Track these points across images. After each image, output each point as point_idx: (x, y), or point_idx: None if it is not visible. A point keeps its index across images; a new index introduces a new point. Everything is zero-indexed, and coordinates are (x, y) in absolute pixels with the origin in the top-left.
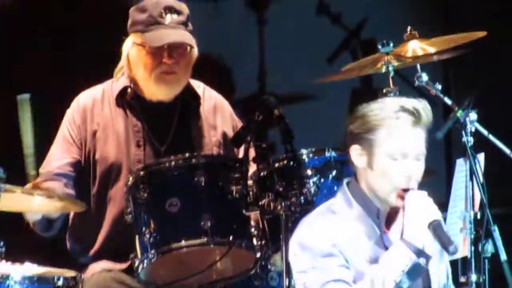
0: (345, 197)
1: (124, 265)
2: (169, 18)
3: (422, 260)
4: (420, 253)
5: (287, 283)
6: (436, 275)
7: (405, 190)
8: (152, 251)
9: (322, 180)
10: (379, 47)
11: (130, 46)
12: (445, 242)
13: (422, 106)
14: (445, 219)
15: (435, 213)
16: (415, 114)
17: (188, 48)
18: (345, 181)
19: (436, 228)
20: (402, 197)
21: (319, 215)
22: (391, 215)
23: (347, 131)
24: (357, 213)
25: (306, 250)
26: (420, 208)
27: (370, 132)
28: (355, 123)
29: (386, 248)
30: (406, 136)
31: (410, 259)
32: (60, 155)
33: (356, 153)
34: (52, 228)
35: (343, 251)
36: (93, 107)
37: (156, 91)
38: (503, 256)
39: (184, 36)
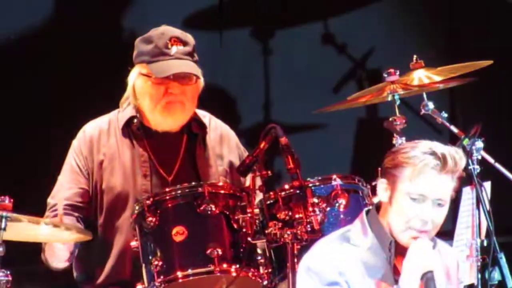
0: (362, 226)
1: None
2: (174, 49)
3: None
4: None
5: None
6: None
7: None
8: (159, 280)
9: (328, 208)
10: (385, 76)
11: (136, 77)
12: None
13: (453, 154)
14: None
15: (432, 265)
16: (442, 160)
17: (194, 78)
18: (364, 210)
19: (427, 279)
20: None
21: (332, 241)
22: (403, 256)
23: (381, 165)
24: (371, 243)
25: (311, 275)
26: (419, 256)
27: (396, 169)
28: (387, 158)
29: (395, 281)
30: (428, 180)
31: None
32: (68, 186)
33: (382, 186)
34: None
35: (349, 280)
36: (100, 138)
37: (162, 122)
38: (510, 284)
39: (190, 67)
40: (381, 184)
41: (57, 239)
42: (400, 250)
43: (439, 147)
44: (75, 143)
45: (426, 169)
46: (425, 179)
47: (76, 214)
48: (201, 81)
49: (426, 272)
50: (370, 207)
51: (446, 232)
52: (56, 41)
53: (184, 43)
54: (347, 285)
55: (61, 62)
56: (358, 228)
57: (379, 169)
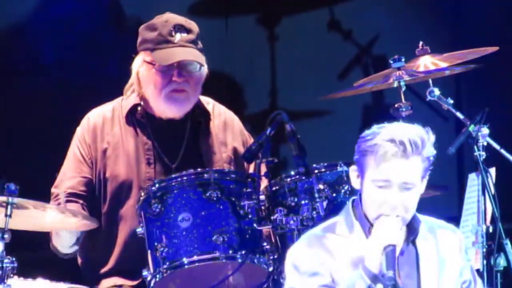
0: (347, 216)
1: (135, 282)
2: (178, 36)
3: (378, 286)
4: (375, 278)
5: None
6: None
7: None
8: (165, 266)
9: (334, 194)
10: (391, 62)
11: (139, 64)
12: (385, 266)
13: (413, 137)
14: None
15: (393, 240)
16: (401, 146)
17: (198, 66)
18: (350, 199)
19: (387, 252)
20: None
21: (315, 233)
22: None
23: None
24: (356, 231)
25: (294, 266)
26: (381, 232)
27: (362, 157)
28: (356, 144)
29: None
30: (390, 166)
31: (365, 284)
32: (71, 174)
33: (353, 174)
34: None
35: (332, 270)
36: (103, 126)
37: (166, 110)
38: None
39: (194, 54)
40: (352, 172)
41: (63, 226)
42: None
43: (399, 132)
44: (78, 131)
45: (387, 156)
46: (387, 166)
47: (81, 202)
48: (205, 69)
49: (387, 245)
50: (356, 197)
51: (452, 218)
52: (60, 29)
53: (188, 31)
54: (329, 275)
55: (65, 50)
56: (343, 218)
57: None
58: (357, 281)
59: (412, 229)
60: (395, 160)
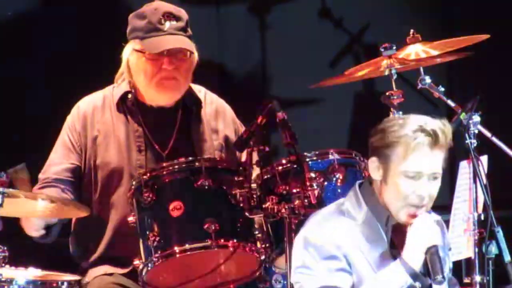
0: (357, 199)
1: (126, 270)
2: (168, 24)
3: (417, 284)
4: (416, 276)
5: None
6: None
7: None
8: (156, 255)
9: (325, 183)
10: (382, 50)
11: (129, 53)
12: (434, 270)
13: (442, 127)
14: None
15: (436, 240)
16: (433, 136)
17: (188, 53)
18: (357, 183)
19: (432, 254)
20: (414, 217)
21: (329, 215)
22: (399, 230)
23: (368, 142)
24: (366, 216)
25: (310, 247)
26: (423, 232)
27: (388, 148)
28: (375, 136)
29: (393, 257)
30: (422, 157)
31: (405, 281)
32: (59, 161)
33: (373, 165)
34: (51, 234)
35: (348, 253)
36: (94, 113)
37: (156, 97)
38: (507, 257)
39: (183, 42)
40: (373, 163)
41: (54, 214)
42: (394, 225)
43: (429, 123)
44: (69, 119)
45: (419, 147)
46: (419, 156)
47: (62, 186)
48: (195, 56)
49: (430, 246)
50: (363, 181)
51: (443, 207)
52: (51, 17)
53: (177, 18)
54: (345, 259)
55: (56, 37)
56: (353, 201)
57: (368, 147)
58: (395, 277)
59: None
60: (427, 150)
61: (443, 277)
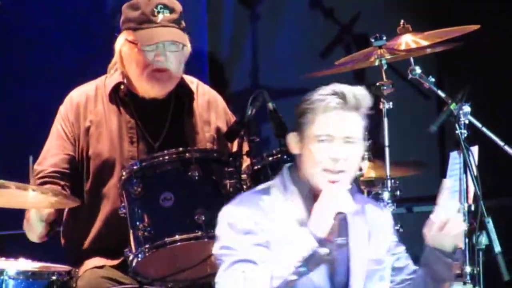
0: (282, 179)
1: (116, 261)
2: (161, 16)
3: (322, 250)
4: (321, 243)
5: None
6: (360, 261)
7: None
8: (147, 246)
9: None
10: (372, 40)
11: (122, 43)
12: (337, 236)
13: (353, 91)
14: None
15: (344, 207)
16: (342, 98)
17: (180, 46)
18: (286, 165)
19: (339, 221)
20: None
21: (251, 193)
22: None
23: None
24: (292, 195)
25: (227, 225)
26: (331, 199)
27: (302, 117)
28: (295, 112)
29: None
30: (332, 118)
31: (311, 247)
32: (54, 152)
33: (292, 140)
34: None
35: (267, 230)
36: (86, 104)
37: (148, 89)
38: (497, 248)
39: (176, 34)
40: (291, 137)
41: (45, 205)
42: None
43: (339, 86)
44: (61, 109)
45: (328, 109)
46: (329, 118)
47: (62, 183)
48: (188, 48)
49: (338, 213)
50: (291, 164)
51: (434, 197)
52: (44, 5)
53: (171, 10)
54: (264, 234)
55: (49, 26)
56: (279, 182)
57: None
58: (301, 244)
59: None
60: (336, 112)
61: (347, 240)
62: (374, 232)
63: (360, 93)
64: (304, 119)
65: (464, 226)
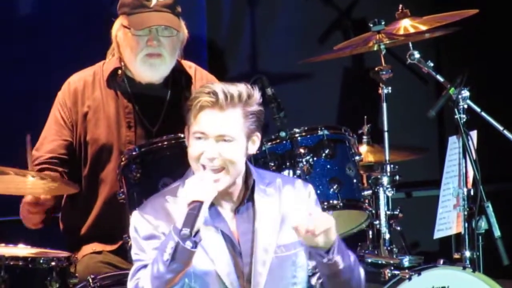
0: (186, 177)
1: (114, 246)
2: (154, 1)
3: (188, 244)
4: (180, 235)
5: None
6: (266, 249)
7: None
8: None
9: (315, 158)
10: (371, 25)
11: (118, 28)
12: (184, 223)
13: (227, 89)
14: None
15: (202, 196)
16: (213, 97)
17: (174, 31)
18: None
19: (189, 209)
20: (216, 181)
21: (157, 196)
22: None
23: None
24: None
25: (134, 230)
26: (191, 186)
27: (187, 114)
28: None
29: (215, 227)
30: (204, 117)
31: (173, 242)
32: (52, 138)
33: (186, 134)
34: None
35: (167, 232)
36: (84, 89)
37: (142, 73)
38: (497, 232)
39: (168, 19)
40: (185, 131)
41: (44, 191)
42: None
43: (214, 85)
44: (59, 95)
45: (202, 108)
46: (202, 117)
47: (60, 169)
48: (184, 33)
49: (191, 202)
50: None
51: (433, 182)
52: None
53: None
54: (164, 237)
55: (49, 16)
56: (183, 181)
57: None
58: (169, 240)
59: (247, 187)
60: (209, 111)
61: (191, 233)
62: (289, 215)
63: (236, 91)
64: (188, 115)
65: (330, 223)
